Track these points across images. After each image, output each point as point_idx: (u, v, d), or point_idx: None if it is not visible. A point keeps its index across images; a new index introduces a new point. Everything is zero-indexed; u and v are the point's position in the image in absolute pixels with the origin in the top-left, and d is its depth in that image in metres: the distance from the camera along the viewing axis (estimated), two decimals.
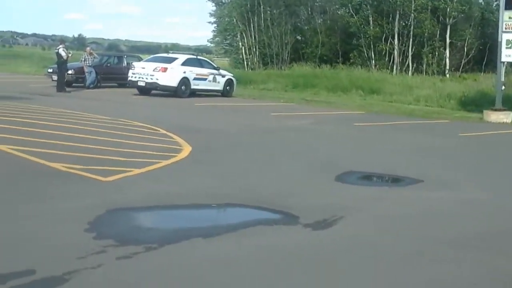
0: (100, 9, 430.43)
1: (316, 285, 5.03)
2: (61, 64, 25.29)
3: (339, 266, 5.52)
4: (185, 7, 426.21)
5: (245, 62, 45.82)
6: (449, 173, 10.75)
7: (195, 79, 25.30)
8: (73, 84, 26.84)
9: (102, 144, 11.22)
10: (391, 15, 40.86)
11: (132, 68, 25.63)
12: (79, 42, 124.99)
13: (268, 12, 44.73)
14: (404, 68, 40.59)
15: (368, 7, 42.08)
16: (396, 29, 40.66)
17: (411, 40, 40.44)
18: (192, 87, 25.24)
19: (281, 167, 10.50)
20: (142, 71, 24.90)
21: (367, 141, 14.75)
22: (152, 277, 4.94)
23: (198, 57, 28.00)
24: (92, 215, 6.54)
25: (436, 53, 41.07)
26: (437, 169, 11.07)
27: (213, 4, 51.91)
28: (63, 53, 25.05)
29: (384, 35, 40.73)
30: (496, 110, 21.41)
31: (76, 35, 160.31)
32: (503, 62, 21.30)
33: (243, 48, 46.23)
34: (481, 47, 42.02)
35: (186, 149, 11.38)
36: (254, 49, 45.22)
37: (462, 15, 41.34)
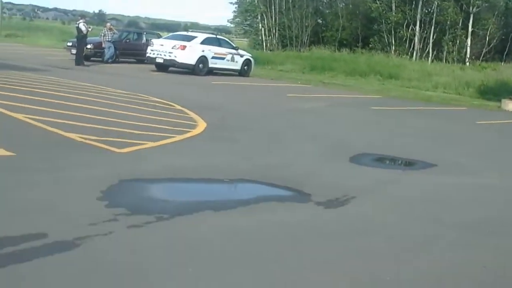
0: None
1: (322, 261, 5.04)
2: (81, 38, 25.35)
3: (346, 246, 5.53)
4: None
5: (264, 44, 45.66)
6: (463, 158, 10.71)
7: (213, 57, 25.29)
8: (92, 58, 26.93)
9: (117, 117, 11.27)
10: (414, 2, 40.39)
11: (151, 44, 25.65)
12: (99, 18, 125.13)
13: None
14: (424, 55, 40.24)
15: None
16: (418, 16, 40.22)
17: (433, 27, 39.99)
18: (210, 65, 25.25)
19: (295, 146, 10.50)
20: (161, 48, 24.92)
21: (383, 124, 14.70)
22: (162, 246, 4.98)
23: (218, 36, 27.94)
24: (105, 185, 6.59)
25: (457, 41, 40.62)
26: (452, 154, 11.03)
27: None
28: (83, 28, 25.10)
29: (406, 21, 40.33)
30: None
31: (96, 11, 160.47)
32: None
33: (262, 29, 46.04)
34: (503, 37, 41.54)
35: (201, 125, 11.40)
36: (274, 31, 45.02)
37: (486, 4, 40.82)
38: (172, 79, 22.48)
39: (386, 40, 40.97)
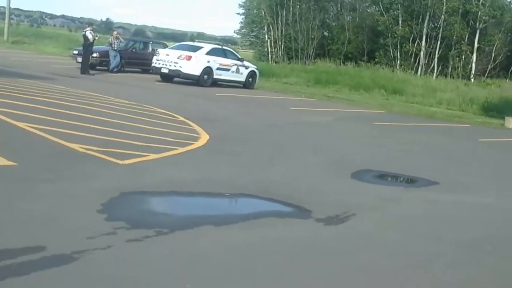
0: None
1: (320, 279, 5.03)
2: (87, 46, 25.41)
3: (347, 263, 5.52)
4: None
5: (270, 55, 45.73)
6: (465, 177, 10.70)
7: (218, 69, 25.31)
8: (97, 67, 26.98)
9: (120, 127, 11.29)
10: (421, 16, 40.48)
11: (157, 54, 25.71)
12: (106, 26, 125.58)
13: (297, 6, 44.49)
14: (429, 70, 40.26)
15: (399, 6, 41.70)
16: (424, 31, 40.28)
17: (439, 42, 40.04)
18: (215, 76, 25.27)
19: (297, 161, 10.50)
20: (167, 58, 24.97)
21: (386, 140, 14.68)
22: (161, 261, 4.97)
23: (223, 47, 27.99)
24: (106, 197, 6.59)
25: (463, 57, 40.63)
26: (454, 173, 11.02)
27: None
28: (89, 36, 25.16)
29: (412, 35, 40.40)
30: None
31: (104, 19, 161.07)
32: None
33: (268, 41, 46.14)
34: (509, 54, 41.55)
35: (204, 138, 11.41)
36: (280, 43, 45.11)
37: (493, 20, 40.86)
38: (177, 90, 22.51)
39: (391, 54, 41.02)
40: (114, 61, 27.41)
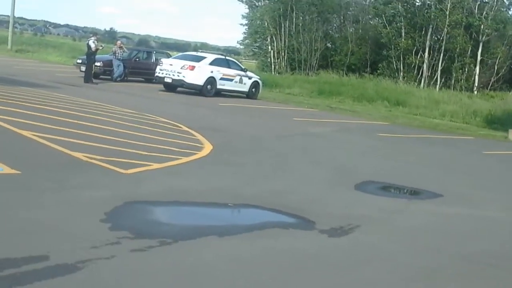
0: (134, 4, 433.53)
1: None
2: (90, 55, 25.48)
3: (350, 275, 5.49)
4: (220, 9, 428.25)
5: (273, 66, 45.78)
6: (469, 189, 10.67)
7: (221, 79, 25.34)
8: (101, 76, 26.99)
9: (124, 137, 11.28)
10: (424, 29, 40.55)
11: (160, 64, 25.73)
12: (110, 36, 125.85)
13: (300, 17, 44.59)
14: (432, 82, 40.28)
15: (402, 19, 41.79)
16: (427, 43, 40.34)
17: (442, 54, 40.09)
18: (218, 87, 25.29)
19: (301, 172, 10.47)
20: (170, 67, 25.00)
21: (389, 152, 14.67)
22: (164, 271, 4.95)
23: (227, 57, 28.03)
24: (110, 206, 6.57)
25: (466, 69, 40.66)
26: (458, 185, 10.99)
27: (246, 7, 52.03)
28: (92, 45, 25.23)
29: (415, 48, 40.45)
30: None
31: (108, 29, 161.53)
32: None
33: (272, 51, 46.20)
34: (511, 66, 41.60)
35: (207, 148, 11.40)
36: (283, 54, 45.17)
37: (496, 33, 40.91)
38: (180, 100, 22.51)
39: (394, 66, 41.06)
40: (118, 70, 27.43)
